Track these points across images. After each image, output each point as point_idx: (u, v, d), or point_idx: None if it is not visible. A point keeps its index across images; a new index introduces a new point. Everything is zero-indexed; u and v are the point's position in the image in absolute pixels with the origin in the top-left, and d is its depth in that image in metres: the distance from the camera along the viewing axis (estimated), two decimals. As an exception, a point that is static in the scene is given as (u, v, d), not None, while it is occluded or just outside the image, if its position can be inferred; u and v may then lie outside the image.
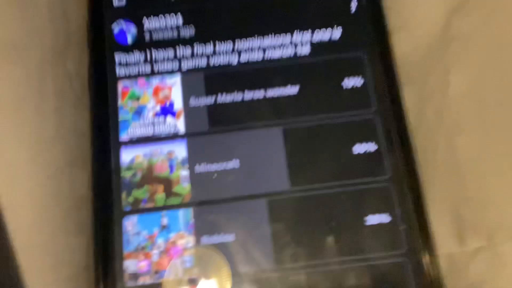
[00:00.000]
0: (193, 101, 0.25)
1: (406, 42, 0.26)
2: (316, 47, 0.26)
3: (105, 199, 0.23)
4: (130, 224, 0.23)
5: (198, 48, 0.26)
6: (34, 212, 0.22)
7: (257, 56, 0.26)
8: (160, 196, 0.23)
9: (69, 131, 0.25)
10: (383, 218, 0.23)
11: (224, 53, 0.26)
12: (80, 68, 0.26)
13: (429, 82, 0.26)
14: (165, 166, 0.24)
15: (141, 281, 0.22)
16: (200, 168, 0.24)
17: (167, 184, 0.24)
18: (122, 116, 0.25)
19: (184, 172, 0.24)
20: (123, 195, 0.24)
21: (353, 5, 0.26)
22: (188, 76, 0.25)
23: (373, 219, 0.23)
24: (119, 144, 0.24)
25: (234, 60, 0.26)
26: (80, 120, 0.25)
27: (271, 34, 0.26)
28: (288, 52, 0.26)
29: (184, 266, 0.23)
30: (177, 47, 0.26)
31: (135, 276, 0.22)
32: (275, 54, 0.26)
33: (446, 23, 0.26)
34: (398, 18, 0.26)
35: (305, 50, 0.26)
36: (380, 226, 0.23)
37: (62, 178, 0.24)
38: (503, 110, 0.24)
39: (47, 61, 0.26)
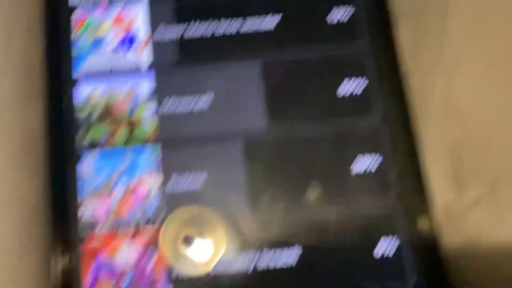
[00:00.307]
0: (161, 32, 0.22)
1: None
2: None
3: (59, 138, 0.21)
4: (87, 165, 0.20)
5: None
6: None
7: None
8: (121, 136, 0.21)
9: (18, 64, 0.22)
10: (371, 162, 0.20)
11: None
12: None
13: (426, 14, 0.23)
14: (126, 105, 0.21)
15: (99, 228, 0.20)
16: (167, 106, 0.21)
17: (128, 124, 0.21)
18: (77, 49, 0.22)
19: (149, 111, 0.21)
20: (79, 134, 0.21)
21: None
22: (155, 2, 0.22)
23: (360, 164, 0.20)
24: (72, 80, 0.21)
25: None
26: (31, 53, 0.22)
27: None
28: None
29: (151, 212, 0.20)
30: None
31: (92, 223, 0.20)
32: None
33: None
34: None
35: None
36: (368, 171, 0.20)
37: (14, 112, 0.21)
38: (505, 45, 0.22)
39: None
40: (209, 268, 0.20)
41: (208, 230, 0.20)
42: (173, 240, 0.20)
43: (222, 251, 0.20)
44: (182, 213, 0.20)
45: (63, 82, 0.22)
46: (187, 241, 0.20)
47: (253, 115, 0.21)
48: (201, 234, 0.20)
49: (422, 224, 0.20)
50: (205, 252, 0.20)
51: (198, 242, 0.20)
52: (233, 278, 0.19)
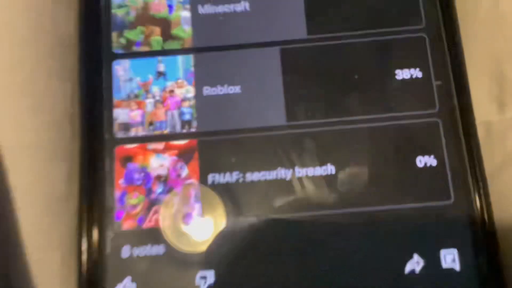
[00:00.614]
0: None
1: None
2: None
3: (93, 39, 0.20)
4: (121, 68, 0.20)
5: None
6: (10, 46, 0.19)
7: None
8: (157, 39, 0.20)
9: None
10: (415, 72, 0.20)
11: None
12: None
13: None
14: (163, 4, 0.20)
15: (133, 132, 0.20)
16: (204, 9, 0.20)
17: (165, 25, 0.20)
18: None
19: (186, 13, 0.20)
20: (114, 35, 0.20)
21: None
22: None
23: (403, 73, 0.20)
24: (110, -22, 0.21)
25: None
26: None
27: None
28: None
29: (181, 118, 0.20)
30: None
31: (127, 126, 0.20)
32: None
33: None
34: None
35: None
36: (411, 81, 0.20)
37: (45, 13, 0.20)
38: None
39: None
40: (203, 229, 0.19)
41: (207, 208, 0.19)
42: (173, 217, 0.19)
43: (216, 212, 0.19)
44: (183, 191, 0.20)
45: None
46: (187, 218, 0.19)
47: (291, 24, 0.20)
48: (200, 212, 0.19)
49: (463, 138, 0.19)
50: (204, 230, 0.19)
51: (197, 220, 0.19)
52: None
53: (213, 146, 0.19)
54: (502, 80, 0.20)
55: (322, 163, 0.19)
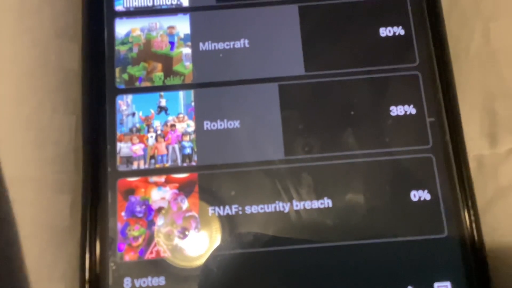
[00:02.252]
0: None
1: None
2: None
3: (97, 74, 0.21)
4: (124, 103, 0.21)
5: None
6: (17, 81, 0.20)
7: None
8: (159, 74, 0.21)
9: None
10: (409, 108, 0.20)
11: None
12: None
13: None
14: (165, 42, 0.21)
15: (135, 165, 0.20)
16: (205, 46, 0.21)
17: (167, 62, 0.21)
18: (117, -17, 0.22)
19: (187, 50, 0.21)
20: (117, 71, 0.21)
21: None
22: None
23: (397, 110, 0.20)
24: (114, 14, 0.21)
25: None
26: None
27: None
28: None
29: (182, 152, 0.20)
30: None
31: (129, 159, 0.20)
32: None
33: None
34: None
35: None
36: (405, 117, 0.20)
37: (50, 48, 0.21)
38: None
39: None
40: (203, 260, 0.20)
41: (207, 240, 0.20)
42: (168, 231, 0.20)
43: (216, 244, 0.20)
44: (183, 223, 0.20)
45: (104, 15, 0.21)
46: (182, 232, 0.20)
47: (289, 60, 0.21)
48: (196, 226, 0.20)
49: (455, 173, 0.20)
50: (200, 244, 0.20)
51: (193, 234, 0.20)
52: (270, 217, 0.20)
53: (213, 180, 0.20)
54: (494, 116, 0.21)
55: (319, 197, 0.20)
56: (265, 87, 0.21)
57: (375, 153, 0.20)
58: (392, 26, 0.21)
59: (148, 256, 0.19)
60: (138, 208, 0.20)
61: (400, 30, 0.21)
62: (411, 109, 0.20)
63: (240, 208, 0.20)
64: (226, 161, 0.20)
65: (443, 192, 0.20)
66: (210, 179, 0.20)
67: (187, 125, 0.20)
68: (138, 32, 0.21)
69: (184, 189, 0.20)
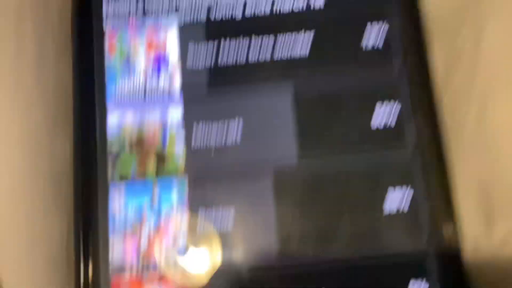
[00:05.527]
0: (192, 55, 0.22)
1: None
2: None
3: (89, 170, 0.21)
4: (117, 200, 0.20)
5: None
6: (8, 181, 0.20)
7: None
8: (151, 169, 0.21)
9: (49, 89, 0.22)
10: (403, 196, 0.20)
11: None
12: (63, 13, 0.22)
13: (459, 37, 0.22)
14: (157, 135, 0.21)
15: (129, 262, 0.20)
16: (197, 142, 0.21)
17: (159, 158, 0.21)
18: (108, 74, 0.21)
19: (179, 144, 0.21)
20: (109, 167, 0.21)
21: None
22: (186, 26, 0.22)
23: (392, 198, 0.20)
24: (105, 107, 0.21)
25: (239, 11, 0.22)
26: (62, 79, 0.22)
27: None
28: (299, 3, 0.22)
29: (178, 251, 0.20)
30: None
31: (122, 257, 0.20)
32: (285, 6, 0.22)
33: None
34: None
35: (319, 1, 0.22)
36: (401, 208, 0.20)
37: (42, 144, 0.21)
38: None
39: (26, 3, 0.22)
40: (204, 280, 0.20)
41: (203, 240, 0.20)
42: (168, 249, 0.20)
43: (217, 263, 0.20)
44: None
45: (95, 109, 0.21)
46: (182, 250, 0.20)
47: (284, 146, 0.21)
48: (196, 244, 0.20)
49: (453, 266, 0.19)
50: (200, 263, 0.20)
51: (192, 252, 0.20)
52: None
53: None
54: (489, 201, 0.20)
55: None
56: (259, 181, 0.20)
57: (368, 250, 0.20)
58: (386, 107, 0.21)
59: None
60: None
61: (394, 114, 0.21)
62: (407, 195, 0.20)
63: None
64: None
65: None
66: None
67: (181, 219, 0.20)
68: (130, 125, 0.21)
69: None
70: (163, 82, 0.21)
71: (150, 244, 0.20)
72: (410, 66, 0.21)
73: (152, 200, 0.20)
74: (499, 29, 0.21)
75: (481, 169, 0.20)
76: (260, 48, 0.21)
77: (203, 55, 0.21)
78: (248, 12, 0.22)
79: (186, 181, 0.21)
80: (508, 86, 0.21)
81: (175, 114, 0.21)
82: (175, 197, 0.20)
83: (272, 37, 0.21)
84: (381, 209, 0.20)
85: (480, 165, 0.20)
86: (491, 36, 0.21)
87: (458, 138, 0.21)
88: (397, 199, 0.20)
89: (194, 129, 0.21)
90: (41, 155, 0.20)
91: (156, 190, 0.20)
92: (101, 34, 0.22)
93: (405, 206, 0.20)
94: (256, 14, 0.22)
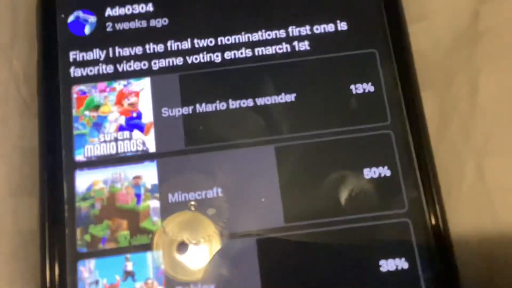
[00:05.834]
0: (166, 114, 0.20)
1: (426, 36, 0.22)
2: (317, 43, 0.21)
3: (56, 238, 0.19)
4: (86, 270, 0.19)
5: (173, 45, 0.21)
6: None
7: (244, 54, 0.21)
8: (124, 233, 0.19)
9: (14, 148, 0.20)
10: (401, 265, 0.19)
11: (204, 51, 0.21)
12: (28, 68, 0.21)
13: (453, 86, 0.21)
14: (130, 194, 0.19)
15: None
16: (174, 197, 0.19)
17: (133, 218, 0.19)
18: (77, 130, 0.20)
19: (155, 202, 0.19)
20: (78, 232, 0.19)
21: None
22: (158, 82, 0.20)
23: (387, 265, 0.18)
24: (73, 166, 0.20)
25: (216, 59, 0.21)
26: (28, 134, 0.20)
27: (262, 27, 0.21)
28: (282, 49, 0.21)
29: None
30: (146, 43, 0.21)
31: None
32: (267, 51, 0.21)
33: (474, 13, 0.22)
34: (416, 5, 0.21)
35: (303, 46, 0.21)
36: (397, 274, 0.18)
37: (6, 209, 0.19)
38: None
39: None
40: (202, 275, 0.18)
41: (202, 236, 0.19)
42: (168, 246, 0.18)
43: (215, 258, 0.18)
44: (177, 219, 0.19)
45: (63, 168, 0.20)
46: (181, 247, 0.19)
47: (269, 215, 0.19)
48: (196, 240, 0.19)
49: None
50: (199, 259, 0.18)
51: (192, 249, 0.19)
52: None
53: None
54: (491, 260, 0.19)
55: None
56: (243, 242, 0.19)
57: None
58: (374, 167, 0.19)
59: None
60: None
61: (385, 172, 0.19)
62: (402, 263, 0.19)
63: None
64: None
65: None
66: None
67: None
68: (100, 185, 0.19)
69: None
70: (135, 142, 0.20)
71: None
72: (400, 121, 0.20)
73: (124, 271, 0.19)
74: (495, 79, 0.21)
75: (481, 228, 0.20)
76: (240, 103, 0.20)
77: (177, 115, 0.20)
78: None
79: (161, 251, 0.19)
80: (505, 140, 0.20)
81: (150, 175, 0.20)
82: (150, 268, 0.19)
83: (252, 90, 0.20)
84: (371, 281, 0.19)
85: (480, 224, 0.20)
86: (486, 87, 0.21)
87: (456, 194, 0.20)
88: (393, 266, 0.19)
89: (170, 191, 0.19)
90: (5, 224, 0.19)
91: (130, 260, 0.19)
92: (69, 86, 0.20)
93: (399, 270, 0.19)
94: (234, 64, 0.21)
